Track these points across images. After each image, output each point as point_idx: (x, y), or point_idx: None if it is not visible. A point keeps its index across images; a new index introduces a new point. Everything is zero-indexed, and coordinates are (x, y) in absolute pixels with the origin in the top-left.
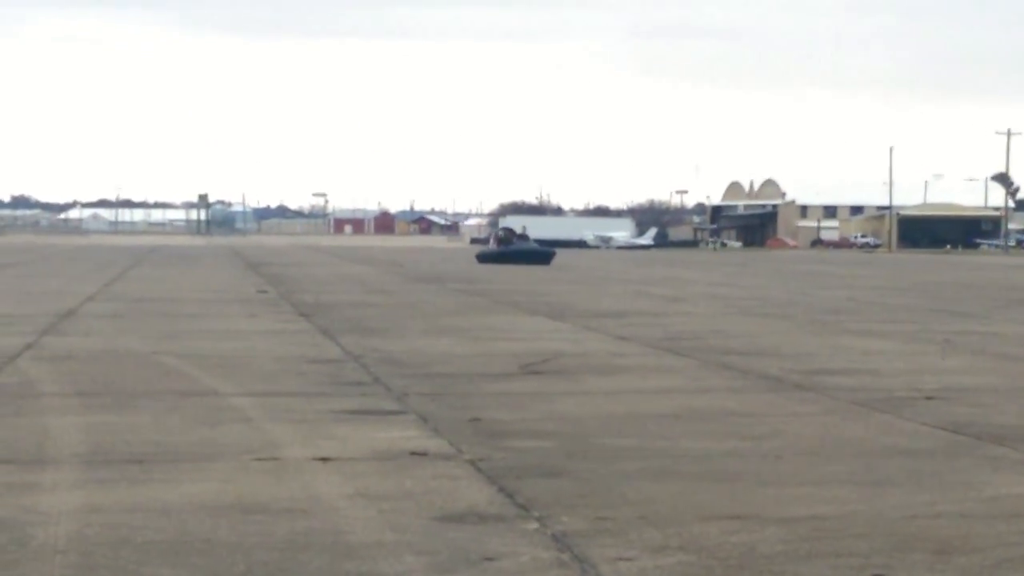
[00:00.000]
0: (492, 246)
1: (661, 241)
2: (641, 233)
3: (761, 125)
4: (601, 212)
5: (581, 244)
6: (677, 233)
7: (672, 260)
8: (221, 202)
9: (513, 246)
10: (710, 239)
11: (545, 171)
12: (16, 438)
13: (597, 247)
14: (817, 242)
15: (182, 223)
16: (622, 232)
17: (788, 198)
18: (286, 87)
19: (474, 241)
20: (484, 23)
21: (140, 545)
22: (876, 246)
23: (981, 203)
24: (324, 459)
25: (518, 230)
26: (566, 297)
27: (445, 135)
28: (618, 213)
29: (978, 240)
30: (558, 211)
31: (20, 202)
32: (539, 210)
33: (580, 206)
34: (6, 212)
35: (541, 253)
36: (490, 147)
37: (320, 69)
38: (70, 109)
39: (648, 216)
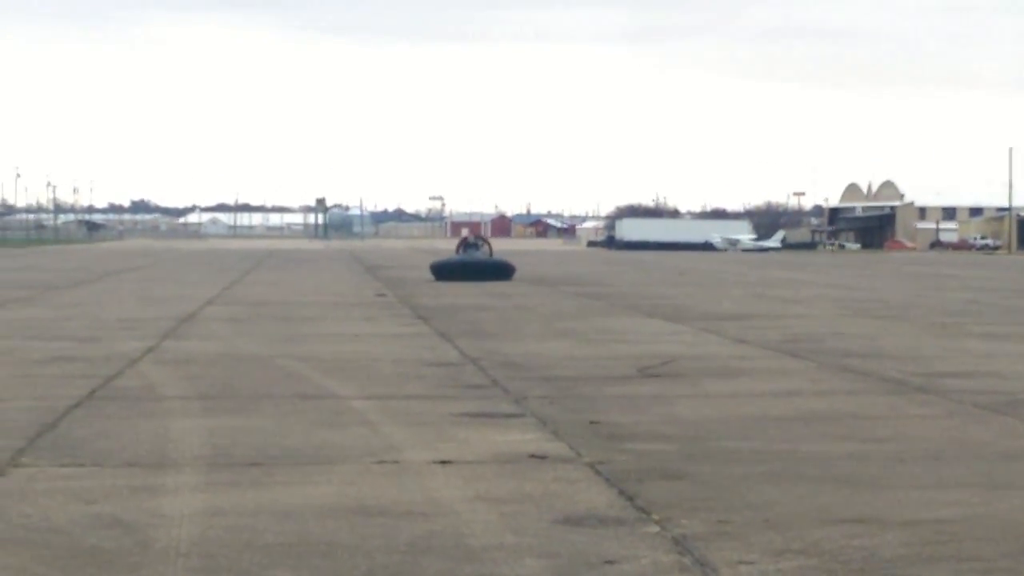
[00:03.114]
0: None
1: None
2: (762, 235)
3: (879, 126)
4: (718, 214)
5: (707, 247)
6: (794, 235)
7: (790, 262)
8: (338, 206)
9: (458, 257)
10: (828, 241)
11: (661, 173)
12: (138, 441)
13: (724, 250)
14: (936, 244)
15: (300, 227)
16: (748, 235)
17: (906, 199)
18: (403, 91)
19: (591, 244)
20: (602, 25)
21: (262, 548)
22: (995, 248)
23: None
24: (444, 462)
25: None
26: (684, 300)
27: (562, 137)
28: (735, 215)
29: None
30: (675, 213)
31: (140, 207)
32: (655, 212)
33: (697, 208)
34: (127, 217)
35: (494, 266)
36: (607, 149)
37: (438, 73)
38: (189, 114)
39: (765, 218)
